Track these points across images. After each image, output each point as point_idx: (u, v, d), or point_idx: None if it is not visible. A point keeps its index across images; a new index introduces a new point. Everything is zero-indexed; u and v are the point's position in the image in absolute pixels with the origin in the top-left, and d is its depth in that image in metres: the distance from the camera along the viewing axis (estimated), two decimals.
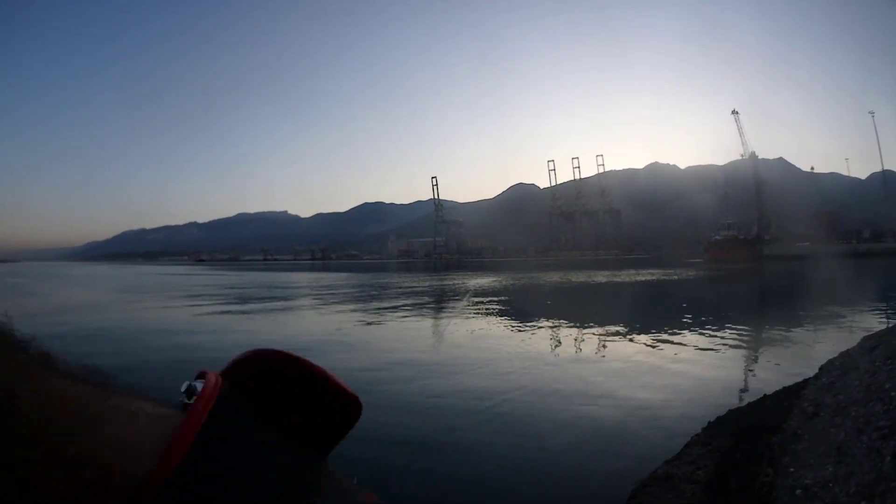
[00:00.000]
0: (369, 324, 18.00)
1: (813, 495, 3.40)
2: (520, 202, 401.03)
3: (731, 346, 12.49)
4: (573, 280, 44.73)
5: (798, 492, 3.53)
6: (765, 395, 6.50)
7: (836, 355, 5.99)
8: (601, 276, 47.83)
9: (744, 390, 8.46)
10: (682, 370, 9.94)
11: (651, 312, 21.11)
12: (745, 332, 14.64)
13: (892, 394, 3.90)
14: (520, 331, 15.81)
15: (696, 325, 15.80)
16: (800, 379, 6.50)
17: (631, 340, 13.61)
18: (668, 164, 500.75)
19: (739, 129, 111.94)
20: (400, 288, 36.40)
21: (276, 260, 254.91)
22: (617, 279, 43.98)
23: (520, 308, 23.17)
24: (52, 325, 17.25)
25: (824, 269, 46.23)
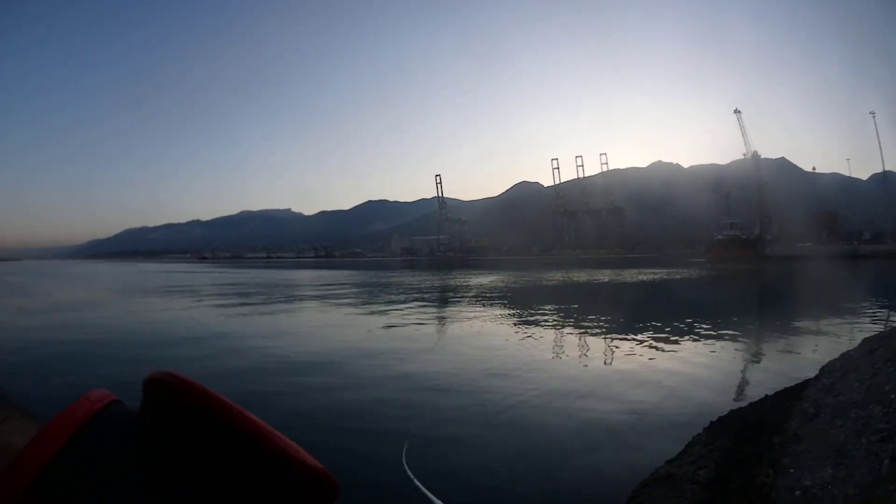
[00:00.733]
0: (390, 326, 17.53)
1: (812, 497, 3.42)
2: (523, 200, 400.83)
3: (734, 348, 12.51)
4: (580, 279, 44.68)
5: (797, 493, 3.55)
6: (766, 395, 6.52)
7: (836, 356, 6.00)
8: (606, 276, 47.80)
9: (744, 390, 8.49)
10: (677, 371, 9.97)
11: (655, 313, 21.10)
12: (748, 333, 14.68)
13: (892, 396, 3.92)
14: (527, 335, 15.79)
15: (699, 325, 15.80)
16: (800, 380, 6.53)
17: (637, 342, 13.62)
18: (670, 164, 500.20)
19: (742, 128, 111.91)
20: (419, 289, 36.23)
21: (279, 258, 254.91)
22: (621, 279, 43.96)
23: (527, 310, 23.11)
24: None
25: (825, 271, 46.20)
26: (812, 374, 6.17)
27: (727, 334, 14.05)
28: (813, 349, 11.81)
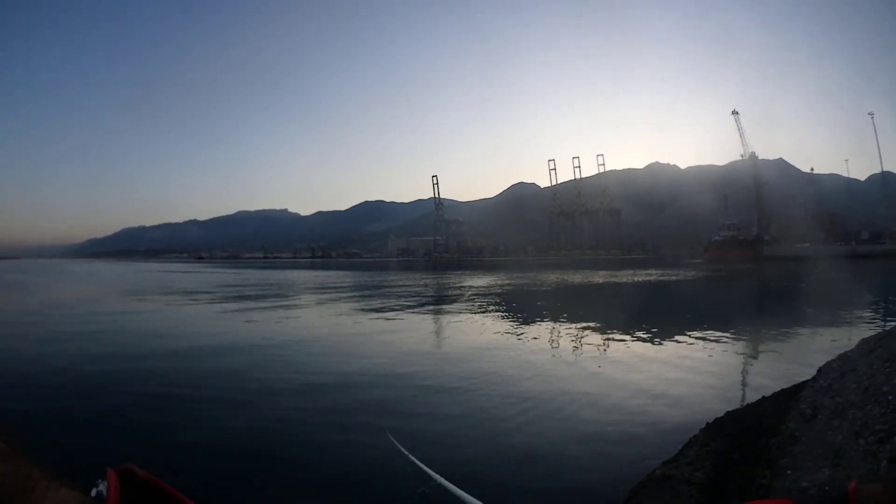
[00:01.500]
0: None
1: (822, 490, 3.41)
2: (520, 201, 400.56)
3: (727, 351, 12.48)
4: (575, 281, 44.72)
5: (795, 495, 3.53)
6: (763, 396, 6.51)
7: (834, 357, 5.99)
8: (603, 277, 47.88)
9: (742, 392, 8.47)
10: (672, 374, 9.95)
11: (650, 314, 21.14)
12: (742, 335, 14.65)
13: (890, 397, 3.91)
14: (520, 337, 15.78)
15: (692, 327, 15.78)
16: (798, 381, 6.51)
17: (628, 342, 13.62)
18: (668, 165, 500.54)
19: (739, 129, 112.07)
20: (422, 295, 36.26)
21: (276, 258, 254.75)
22: (617, 280, 44.02)
23: (524, 313, 23.13)
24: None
25: (824, 271, 46.27)
26: (808, 375, 6.16)
27: (720, 337, 14.01)
28: (810, 350, 11.79)
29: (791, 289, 32.56)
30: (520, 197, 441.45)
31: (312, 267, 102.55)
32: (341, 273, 67.68)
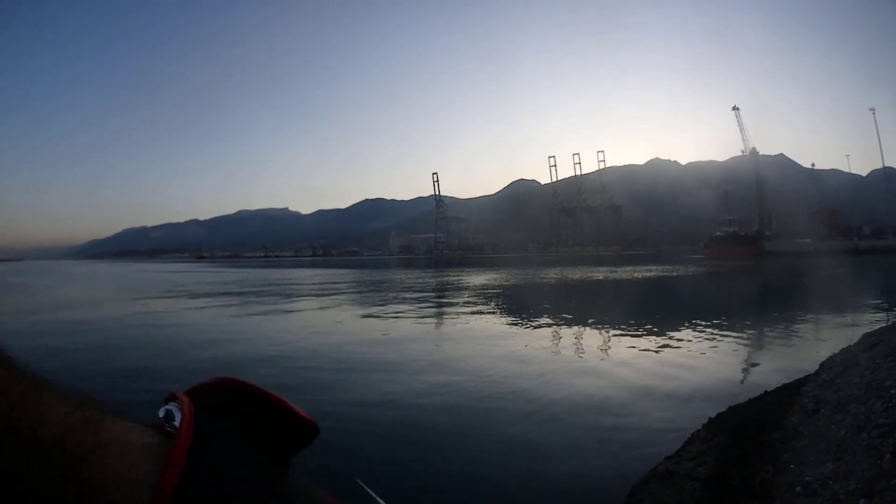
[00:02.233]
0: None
1: (813, 492, 3.40)
2: (521, 198, 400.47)
3: (733, 344, 12.47)
4: (575, 277, 44.71)
5: (798, 489, 3.53)
6: (765, 391, 6.49)
7: (836, 352, 5.99)
8: (601, 274, 47.80)
9: (744, 386, 8.45)
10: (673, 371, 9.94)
11: (652, 310, 21.12)
12: (744, 330, 14.64)
13: (892, 391, 3.90)
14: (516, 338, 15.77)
15: (694, 322, 15.77)
16: (800, 375, 6.50)
17: (632, 337, 13.61)
18: (668, 161, 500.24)
19: (740, 125, 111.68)
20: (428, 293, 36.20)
21: (277, 257, 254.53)
22: (617, 276, 43.95)
23: (529, 311, 23.09)
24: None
25: (825, 267, 46.18)
26: (811, 369, 6.16)
27: (720, 331, 14.00)
28: (812, 345, 11.78)
29: (793, 284, 32.49)
30: (520, 194, 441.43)
31: (324, 265, 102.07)
32: (361, 271, 67.53)
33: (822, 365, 5.79)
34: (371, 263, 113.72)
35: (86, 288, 43.41)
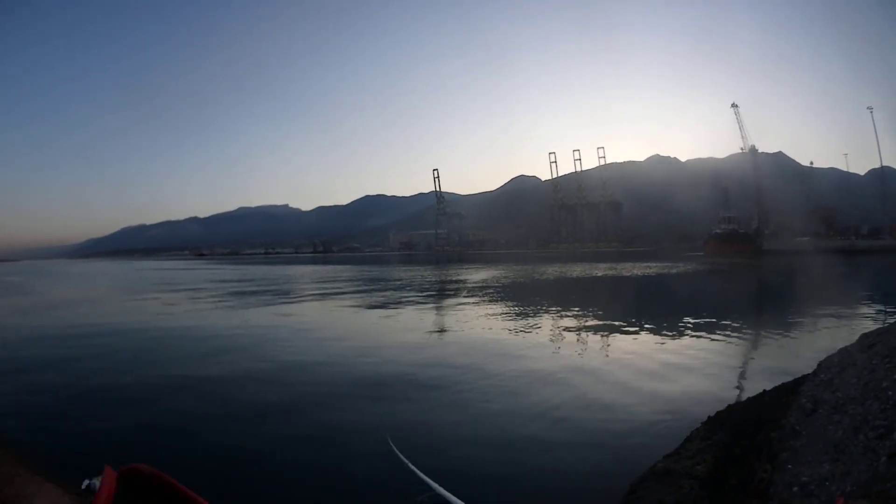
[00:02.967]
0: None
1: (810, 493, 3.44)
2: (521, 194, 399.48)
3: (731, 342, 12.53)
4: (574, 274, 44.73)
5: (795, 489, 3.56)
6: (764, 390, 6.53)
7: (834, 352, 6.01)
8: (601, 271, 47.83)
9: (743, 385, 8.50)
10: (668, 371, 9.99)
11: (652, 307, 21.16)
12: (743, 329, 14.70)
13: (890, 393, 3.93)
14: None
15: (693, 320, 15.83)
16: (798, 374, 6.53)
17: (632, 335, 13.66)
18: (668, 158, 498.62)
19: (739, 122, 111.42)
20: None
21: (277, 254, 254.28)
22: (616, 273, 44.02)
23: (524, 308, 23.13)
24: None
25: (822, 265, 46.25)
26: (809, 369, 6.19)
27: (719, 330, 14.05)
28: (810, 344, 11.82)
29: (791, 283, 32.54)
30: (520, 190, 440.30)
31: (325, 262, 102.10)
32: (363, 267, 67.52)
33: (819, 365, 5.82)
34: (374, 260, 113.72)
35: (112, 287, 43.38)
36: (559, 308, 19.90)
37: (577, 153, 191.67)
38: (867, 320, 15.43)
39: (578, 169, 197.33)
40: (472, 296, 25.58)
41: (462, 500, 2.98)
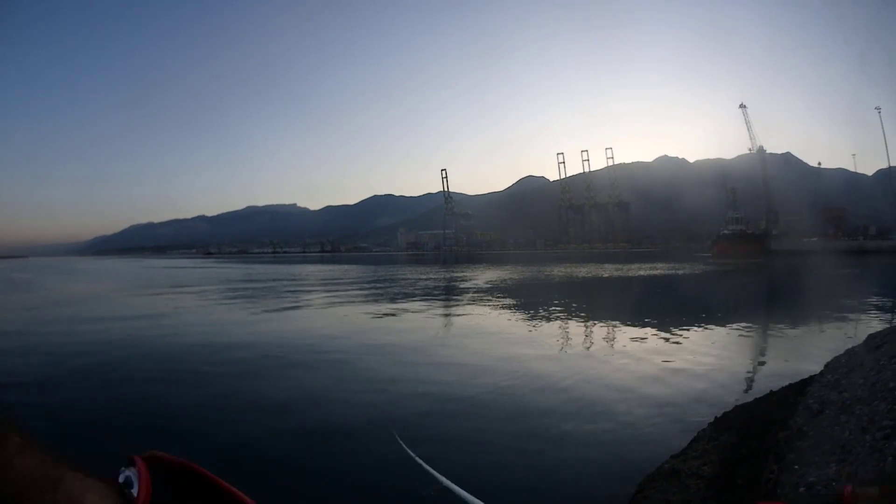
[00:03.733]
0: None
1: (816, 494, 3.45)
2: (529, 195, 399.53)
3: (739, 343, 12.49)
4: (582, 274, 44.66)
5: (802, 489, 3.58)
6: (771, 391, 6.52)
7: (841, 353, 6.01)
8: (608, 272, 47.71)
9: (750, 385, 8.49)
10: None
11: (656, 308, 21.10)
12: (754, 328, 14.64)
13: None
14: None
15: (702, 321, 15.77)
16: (805, 375, 6.53)
17: (640, 336, 13.64)
18: (676, 158, 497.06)
19: (747, 123, 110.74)
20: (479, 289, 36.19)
21: (285, 253, 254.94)
22: (623, 273, 43.91)
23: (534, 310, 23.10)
24: None
25: (832, 266, 45.98)
26: (816, 370, 6.19)
27: (726, 330, 14.01)
28: (817, 345, 11.77)
29: (799, 284, 32.37)
30: (528, 190, 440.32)
31: (333, 261, 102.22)
32: (373, 266, 67.45)
33: (826, 365, 5.82)
34: (385, 259, 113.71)
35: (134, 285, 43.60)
36: (589, 311, 19.84)
37: (585, 154, 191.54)
38: (874, 320, 15.35)
39: (587, 169, 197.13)
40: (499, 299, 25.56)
41: (470, 493, 3.01)
